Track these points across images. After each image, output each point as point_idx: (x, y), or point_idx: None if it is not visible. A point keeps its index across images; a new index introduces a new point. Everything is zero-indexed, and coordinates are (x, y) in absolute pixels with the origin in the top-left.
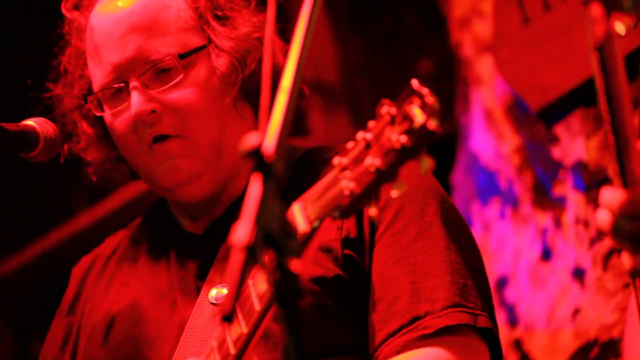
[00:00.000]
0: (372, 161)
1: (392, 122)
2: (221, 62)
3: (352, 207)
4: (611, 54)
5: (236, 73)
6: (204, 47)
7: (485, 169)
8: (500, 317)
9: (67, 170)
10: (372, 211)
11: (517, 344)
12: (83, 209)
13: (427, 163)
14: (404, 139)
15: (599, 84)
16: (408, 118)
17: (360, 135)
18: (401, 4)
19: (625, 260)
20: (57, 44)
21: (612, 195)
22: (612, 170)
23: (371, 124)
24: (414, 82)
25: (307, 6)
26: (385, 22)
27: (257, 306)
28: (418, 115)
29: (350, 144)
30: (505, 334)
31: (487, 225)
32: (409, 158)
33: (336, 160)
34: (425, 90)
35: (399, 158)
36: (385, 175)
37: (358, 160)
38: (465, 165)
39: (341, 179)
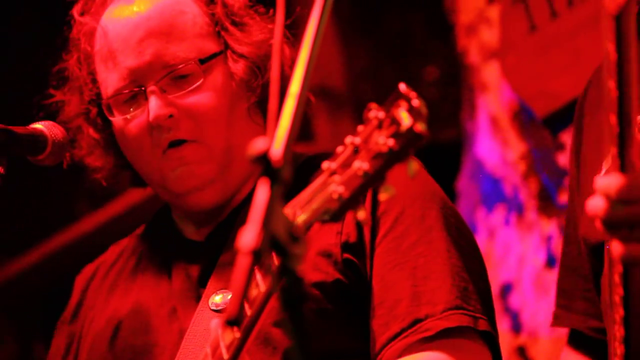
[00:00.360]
0: (360, 165)
1: (380, 126)
2: (239, 67)
3: (341, 211)
4: (629, 23)
5: (255, 78)
6: (221, 52)
7: (491, 176)
8: (505, 324)
9: (70, 175)
10: (360, 214)
11: (521, 351)
12: (85, 214)
13: (414, 166)
14: (391, 142)
15: (612, 56)
16: (395, 122)
17: (349, 139)
18: (408, 11)
19: (616, 248)
20: (62, 48)
21: (609, 180)
22: (609, 153)
23: (360, 128)
24: (402, 86)
25: (317, 12)
26: (392, 28)
27: (249, 311)
28: (405, 119)
29: (339, 149)
30: (509, 341)
31: (492, 231)
32: (397, 161)
33: (325, 164)
34: (412, 94)
35: (386, 161)
36: (374, 179)
37: (346, 164)
38: (471, 171)
39: (330, 183)
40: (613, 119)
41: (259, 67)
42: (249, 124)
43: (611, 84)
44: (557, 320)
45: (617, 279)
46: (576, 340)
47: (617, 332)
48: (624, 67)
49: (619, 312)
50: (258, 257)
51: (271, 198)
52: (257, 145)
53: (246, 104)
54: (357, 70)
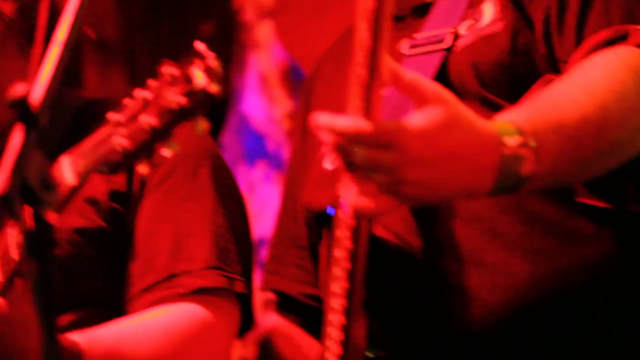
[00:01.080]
0: (148, 119)
1: (173, 82)
2: (7, 7)
3: (123, 163)
4: None
5: (24, 19)
6: None
7: (255, 132)
8: (257, 278)
9: None
10: (142, 169)
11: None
12: None
13: (202, 125)
14: (182, 100)
15: (370, 3)
16: (189, 80)
17: (139, 93)
18: None
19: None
20: None
21: (352, 121)
22: (352, 106)
23: (151, 82)
24: (199, 44)
25: None
26: None
27: (15, 255)
28: (199, 77)
29: (127, 101)
30: (260, 294)
31: (251, 186)
32: (185, 119)
33: (112, 116)
34: (210, 54)
35: (175, 118)
36: (160, 135)
37: (134, 117)
38: (235, 126)
39: (115, 134)
40: (363, 70)
41: (29, 7)
42: (24, 66)
43: (365, 34)
44: (267, 285)
45: (345, 233)
46: (286, 305)
47: (338, 287)
48: (380, 17)
49: (345, 267)
50: (7, 203)
51: (25, 144)
52: (15, 89)
53: (17, 46)
54: (131, 22)
